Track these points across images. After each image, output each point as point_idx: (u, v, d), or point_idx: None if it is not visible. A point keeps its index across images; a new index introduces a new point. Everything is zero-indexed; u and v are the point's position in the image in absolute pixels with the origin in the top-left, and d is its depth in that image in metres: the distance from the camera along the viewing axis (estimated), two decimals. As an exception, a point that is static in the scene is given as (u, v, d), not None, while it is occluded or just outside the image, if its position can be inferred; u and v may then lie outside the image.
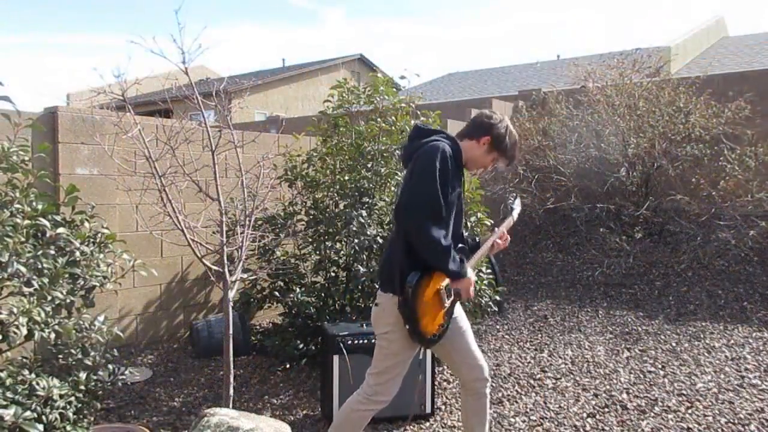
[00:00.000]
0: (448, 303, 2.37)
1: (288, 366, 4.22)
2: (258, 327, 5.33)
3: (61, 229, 2.31)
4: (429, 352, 3.30)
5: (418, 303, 2.29)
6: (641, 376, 4.03)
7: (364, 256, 4.13)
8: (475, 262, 2.54)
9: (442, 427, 3.32)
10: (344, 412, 2.50)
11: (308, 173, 4.46)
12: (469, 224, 4.33)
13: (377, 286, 2.48)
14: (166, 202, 2.97)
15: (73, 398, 2.34)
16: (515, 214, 2.76)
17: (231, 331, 3.03)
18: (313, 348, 4.17)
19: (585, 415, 3.45)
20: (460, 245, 2.47)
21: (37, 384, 2.18)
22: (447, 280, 2.36)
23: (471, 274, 2.39)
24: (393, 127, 4.30)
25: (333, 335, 3.25)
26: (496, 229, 2.64)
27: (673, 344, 4.64)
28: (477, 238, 2.70)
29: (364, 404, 2.46)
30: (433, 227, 2.23)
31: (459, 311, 2.58)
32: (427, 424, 3.34)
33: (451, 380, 3.99)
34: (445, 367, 4.15)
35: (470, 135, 2.48)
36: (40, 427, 2.01)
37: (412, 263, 2.30)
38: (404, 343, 2.38)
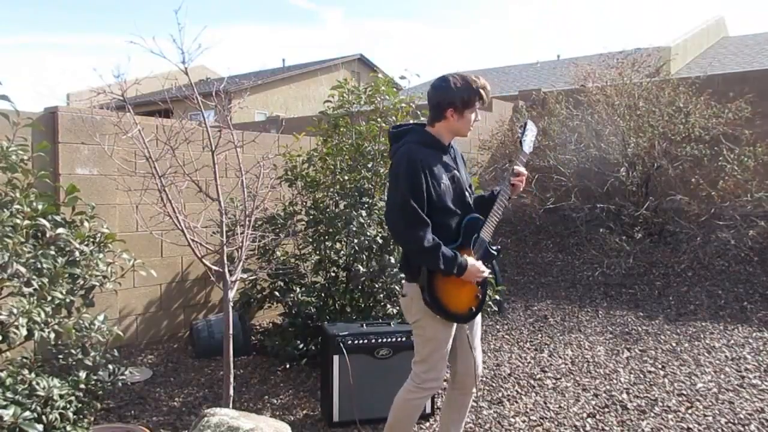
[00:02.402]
0: None
1: (288, 366, 4.22)
2: (258, 327, 5.32)
3: (60, 230, 2.31)
4: None
5: (437, 286, 2.35)
6: (641, 376, 4.03)
7: (364, 256, 4.13)
8: (492, 224, 2.48)
9: (442, 427, 3.31)
10: (398, 405, 2.53)
11: (308, 173, 4.46)
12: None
13: (402, 278, 2.54)
14: (166, 202, 2.97)
15: (73, 398, 2.34)
16: (525, 146, 2.55)
17: (231, 331, 3.03)
18: (313, 348, 4.17)
19: (585, 415, 3.45)
20: (470, 217, 2.46)
21: (37, 384, 2.18)
22: (465, 256, 2.38)
23: (472, 262, 2.38)
24: (393, 127, 4.30)
25: (333, 335, 3.25)
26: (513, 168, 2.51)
27: (673, 344, 4.64)
28: (494, 191, 2.58)
29: (415, 392, 2.49)
30: (410, 233, 2.28)
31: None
32: (427, 424, 3.33)
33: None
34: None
35: (437, 118, 2.43)
36: (40, 427, 2.01)
37: None
38: (436, 326, 2.41)
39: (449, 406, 2.66)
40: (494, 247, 2.53)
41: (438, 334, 2.43)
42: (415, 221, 2.28)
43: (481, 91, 2.38)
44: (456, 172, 2.46)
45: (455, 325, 2.47)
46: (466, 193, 2.50)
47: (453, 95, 2.36)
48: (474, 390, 2.61)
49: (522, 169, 2.52)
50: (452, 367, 2.63)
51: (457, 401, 2.62)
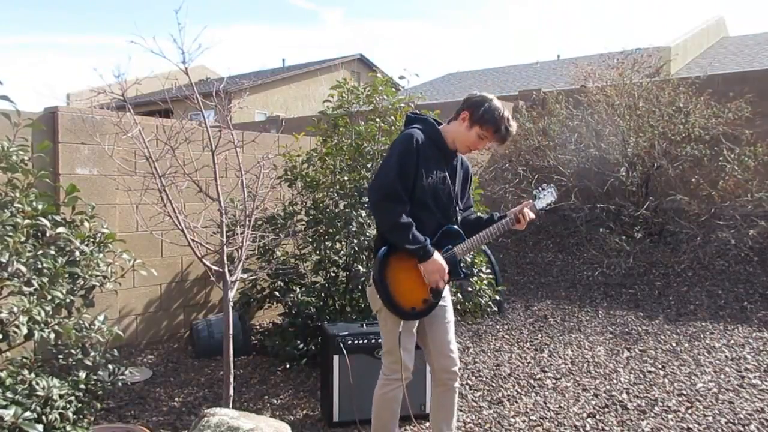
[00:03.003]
0: None
1: (288, 366, 4.22)
2: (258, 327, 5.32)
3: (61, 229, 2.31)
4: None
5: (388, 275, 2.40)
6: (641, 376, 4.03)
7: (364, 256, 4.13)
8: (477, 241, 2.53)
9: (442, 427, 3.31)
10: (376, 402, 2.60)
11: (308, 173, 4.46)
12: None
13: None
14: (166, 202, 2.97)
15: (73, 398, 2.34)
16: (538, 203, 2.62)
17: (231, 331, 3.03)
18: (313, 348, 4.17)
19: (585, 415, 3.45)
20: (449, 227, 2.52)
21: (37, 384, 2.18)
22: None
23: (440, 259, 2.40)
24: (392, 127, 4.30)
25: (333, 335, 3.25)
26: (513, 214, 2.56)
27: (673, 344, 4.64)
28: (496, 215, 2.63)
29: (387, 385, 2.55)
30: (389, 203, 2.33)
31: (448, 301, 2.63)
32: (427, 424, 3.33)
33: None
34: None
35: (455, 116, 2.55)
36: (40, 427, 2.01)
37: (384, 241, 2.44)
38: (393, 318, 2.46)
39: (435, 405, 2.67)
40: (464, 268, 2.57)
41: (396, 327, 2.48)
42: (395, 196, 2.34)
43: (502, 126, 2.45)
44: (449, 177, 2.51)
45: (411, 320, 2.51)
46: (453, 204, 2.54)
47: (478, 106, 2.46)
48: (456, 385, 2.60)
49: (532, 215, 2.56)
50: (430, 366, 2.65)
51: (440, 399, 2.62)
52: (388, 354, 2.54)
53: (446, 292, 2.58)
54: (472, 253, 2.57)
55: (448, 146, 2.52)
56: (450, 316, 2.61)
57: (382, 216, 2.39)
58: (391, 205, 2.33)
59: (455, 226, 2.54)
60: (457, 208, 2.58)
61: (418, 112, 2.69)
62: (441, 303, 2.54)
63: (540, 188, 2.69)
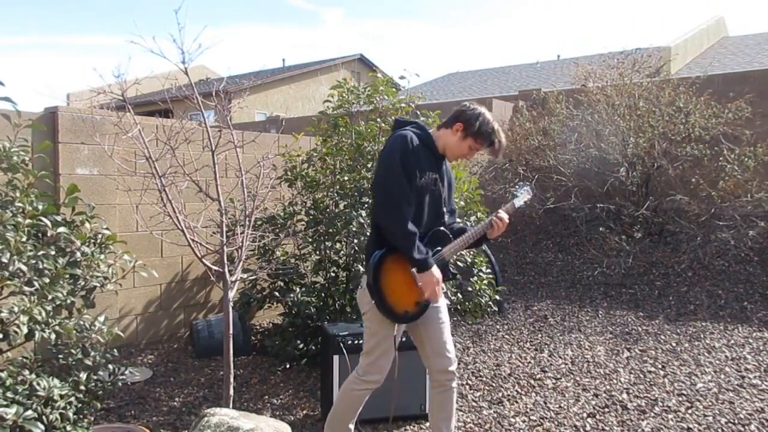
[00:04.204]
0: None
1: (288, 366, 4.22)
2: (258, 327, 5.33)
3: (61, 229, 2.31)
4: None
5: (383, 279, 2.43)
6: (641, 376, 4.04)
7: (364, 256, 4.13)
8: (459, 245, 2.59)
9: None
10: (341, 393, 2.64)
11: (308, 173, 4.46)
12: (468, 224, 4.33)
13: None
14: (166, 202, 2.97)
15: (73, 398, 2.34)
16: (516, 201, 2.75)
17: (231, 331, 3.03)
18: (313, 348, 4.17)
19: (585, 415, 3.45)
20: (438, 229, 2.55)
21: (38, 384, 2.18)
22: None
23: (437, 271, 2.44)
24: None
25: (333, 335, 3.26)
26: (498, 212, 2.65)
27: (673, 344, 4.64)
28: (467, 225, 2.76)
29: (357, 384, 2.59)
30: (400, 206, 2.34)
31: (442, 302, 2.64)
32: (427, 423, 3.33)
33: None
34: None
35: (446, 124, 2.60)
36: (41, 426, 2.01)
37: (380, 243, 2.46)
38: (381, 321, 2.49)
39: (434, 406, 2.67)
40: (453, 270, 2.60)
41: (380, 330, 2.51)
42: (404, 196, 2.36)
43: (495, 141, 2.54)
44: (439, 180, 2.56)
45: (395, 326, 2.52)
46: (443, 207, 2.60)
47: (473, 119, 2.52)
48: (454, 385, 2.61)
49: (505, 216, 2.62)
50: (427, 367, 2.66)
51: (439, 399, 2.63)
52: (366, 355, 2.58)
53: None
54: (455, 255, 2.61)
55: (438, 150, 2.58)
56: (444, 316, 2.62)
57: (391, 219, 2.37)
58: (402, 208, 2.34)
59: (443, 228, 2.59)
60: (445, 210, 2.63)
61: (406, 117, 2.72)
62: (433, 304, 2.56)
63: (517, 186, 2.83)
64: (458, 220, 2.97)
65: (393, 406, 2.92)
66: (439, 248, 2.55)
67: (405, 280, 2.45)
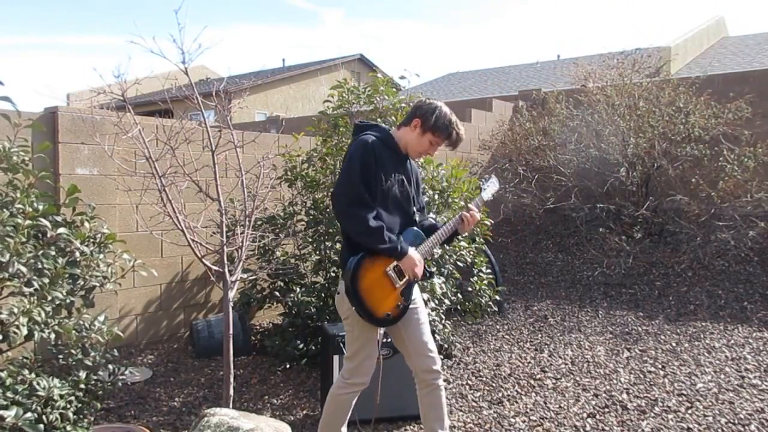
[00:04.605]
0: (400, 283, 2.48)
1: (288, 366, 4.22)
2: (258, 327, 5.33)
3: (61, 230, 2.31)
4: None
5: (360, 284, 2.41)
6: (641, 376, 4.04)
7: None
8: (433, 243, 2.61)
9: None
10: (329, 399, 2.64)
11: (308, 173, 4.46)
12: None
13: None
14: (166, 202, 2.97)
15: (73, 398, 2.34)
16: (484, 194, 2.79)
17: (231, 331, 3.03)
18: (313, 348, 4.17)
19: (585, 415, 3.45)
20: (411, 229, 2.57)
21: (38, 384, 2.18)
22: (395, 262, 2.46)
23: (413, 252, 2.47)
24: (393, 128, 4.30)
25: (333, 335, 3.26)
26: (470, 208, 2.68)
27: (673, 344, 4.64)
28: (437, 222, 2.76)
29: (343, 388, 2.59)
30: (357, 209, 2.35)
31: (419, 302, 2.64)
32: (427, 424, 3.33)
33: (450, 381, 3.99)
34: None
35: (405, 122, 2.60)
36: (41, 427, 2.01)
37: (352, 249, 2.44)
38: (362, 325, 2.49)
39: (424, 407, 2.65)
40: (427, 267, 2.61)
41: (362, 334, 2.51)
42: (360, 201, 2.36)
43: (453, 132, 2.55)
44: (405, 179, 2.56)
45: (376, 329, 2.53)
46: (412, 206, 2.60)
47: (429, 113, 2.52)
48: (440, 383, 2.59)
49: (474, 210, 2.64)
50: (411, 367, 2.64)
51: (428, 399, 2.62)
52: (349, 360, 2.58)
53: (416, 293, 2.61)
54: (430, 254, 2.63)
55: (401, 150, 2.58)
56: (423, 317, 2.63)
57: (351, 222, 2.39)
58: (357, 211, 2.35)
59: (416, 228, 2.60)
60: (415, 209, 2.64)
61: (366, 121, 2.71)
62: (411, 306, 2.56)
63: (483, 180, 2.87)
64: (431, 216, 2.98)
65: (377, 406, 2.91)
66: (414, 247, 2.56)
67: (382, 283, 2.45)
